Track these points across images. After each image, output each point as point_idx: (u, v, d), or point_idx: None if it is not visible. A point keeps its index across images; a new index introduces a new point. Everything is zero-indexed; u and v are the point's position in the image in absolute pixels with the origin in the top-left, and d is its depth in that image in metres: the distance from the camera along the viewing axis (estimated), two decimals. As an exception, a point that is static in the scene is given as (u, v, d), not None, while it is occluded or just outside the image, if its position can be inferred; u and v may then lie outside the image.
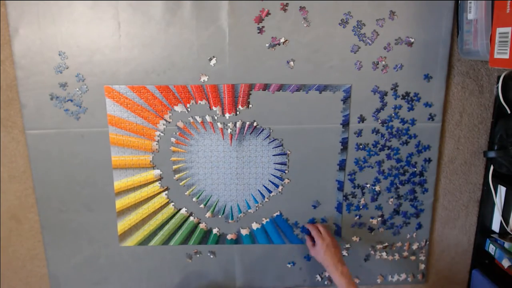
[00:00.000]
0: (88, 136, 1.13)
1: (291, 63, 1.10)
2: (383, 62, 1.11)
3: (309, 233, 1.19)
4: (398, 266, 1.27)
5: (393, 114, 1.15)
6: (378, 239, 1.24)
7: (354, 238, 1.24)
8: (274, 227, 1.22)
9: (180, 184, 1.18)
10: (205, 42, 1.08)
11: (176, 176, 1.17)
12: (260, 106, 1.12)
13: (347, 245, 1.24)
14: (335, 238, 1.17)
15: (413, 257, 1.26)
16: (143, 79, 1.10)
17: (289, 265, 1.25)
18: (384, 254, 1.25)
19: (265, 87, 1.11)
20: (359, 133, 1.16)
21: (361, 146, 1.17)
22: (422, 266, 1.28)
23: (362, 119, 1.15)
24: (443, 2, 1.08)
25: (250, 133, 1.15)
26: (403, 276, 1.28)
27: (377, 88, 1.13)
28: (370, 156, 1.17)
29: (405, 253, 1.26)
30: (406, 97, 1.14)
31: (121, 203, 1.18)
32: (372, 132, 1.16)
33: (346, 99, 1.13)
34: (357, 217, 1.22)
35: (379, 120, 1.15)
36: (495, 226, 1.22)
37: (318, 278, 1.26)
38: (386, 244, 1.25)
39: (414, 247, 1.25)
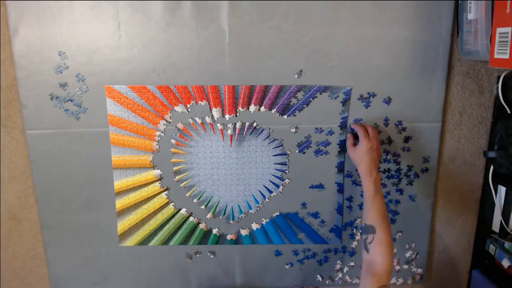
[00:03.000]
0: (88, 136, 1.13)
1: (292, 62, 1.10)
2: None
3: (353, 132, 1.13)
4: (397, 273, 1.28)
5: (393, 114, 1.15)
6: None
7: (357, 237, 1.24)
8: (274, 228, 1.22)
9: (181, 185, 1.18)
10: (205, 42, 1.08)
11: (177, 177, 1.17)
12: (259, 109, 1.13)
13: (349, 248, 1.25)
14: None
15: (408, 266, 1.27)
16: (142, 79, 1.10)
17: (287, 266, 1.25)
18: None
19: (266, 88, 1.11)
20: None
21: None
22: (421, 270, 1.28)
23: (361, 119, 1.15)
24: (443, 2, 1.08)
25: (250, 134, 1.15)
26: (401, 280, 1.28)
27: (377, 88, 1.13)
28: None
29: (405, 266, 1.27)
30: (406, 97, 1.14)
31: (121, 203, 1.18)
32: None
33: (345, 101, 1.13)
34: (356, 218, 1.22)
35: (378, 121, 1.15)
36: (495, 226, 1.22)
37: (319, 278, 1.26)
38: None
39: (413, 246, 1.26)
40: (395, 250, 1.25)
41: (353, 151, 1.09)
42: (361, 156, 1.04)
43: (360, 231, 1.20)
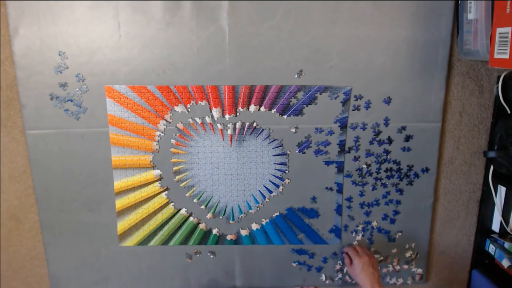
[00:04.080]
0: (88, 136, 1.13)
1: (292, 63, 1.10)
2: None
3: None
4: (397, 273, 1.28)
5: (393, 114, 1.15)
6: (378, 239, 1.24)
7: (357, 237, 1.24)
8: (273, 228, 1.22)
9: (181, 185, 1.18)
10: (205, 42, 1.08)
11: (177, 177, 1.17)
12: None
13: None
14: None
15: (408, 266, 1.27)
16: (142, 79, 1.10)
17: (287, 266, 1.25)
18: (383, 266, 1.26)
19: (266, 88, 1.11)
20: (358, 135, 1.16)
21: (359, 147, 1.17)
22: (421, 270, 1.28)
23: (361, 119, 1.15)
24: (443, 2, 1.08)
25: (250, 134, 1.15)
26: (401, 280, 1.28)
27: (377, 88, 1.13)
28: (369, 155, 1.18)
29: (405, 266, 1.27)
30: (406, 97, 1.14)
31: (121, 203, 1.18)
32: (372, 133, 1.16)
33: (345, 102, 1.13)
34: (356, 218, 1.22)
35: (379, 120, 1.15)
36: (495, 226, 1.22)
37: (319, 278, 1.26)
38: (382, 258, 1.25)
39: (413, 246, 1.26)
40: (394, 250, 1.25)
41: (351, 269, 1.16)
42: (358, 273, 1.11)
43: None
